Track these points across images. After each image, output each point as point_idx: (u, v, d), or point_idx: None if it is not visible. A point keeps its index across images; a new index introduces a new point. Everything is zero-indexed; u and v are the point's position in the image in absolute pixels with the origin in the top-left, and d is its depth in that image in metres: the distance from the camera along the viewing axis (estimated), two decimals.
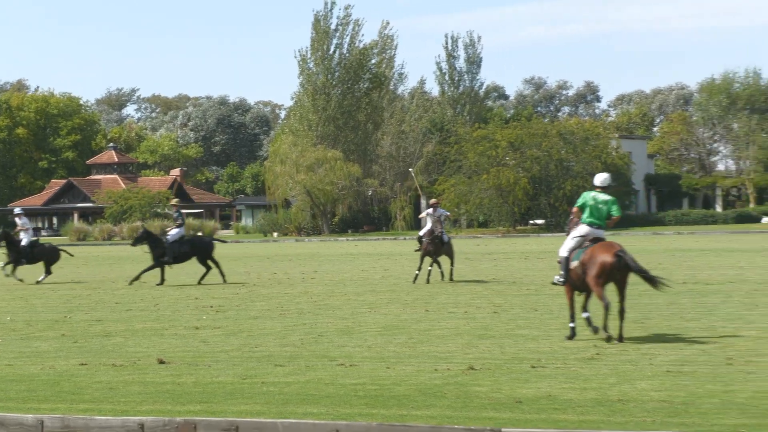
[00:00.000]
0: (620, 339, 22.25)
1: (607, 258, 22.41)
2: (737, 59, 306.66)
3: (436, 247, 40.23)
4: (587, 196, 23.59)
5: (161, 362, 20.21)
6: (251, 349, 22.08)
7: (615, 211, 23.36)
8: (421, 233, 40.30)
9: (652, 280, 22.73)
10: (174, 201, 50.10)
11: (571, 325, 22.94)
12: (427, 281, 39.54)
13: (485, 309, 29.10)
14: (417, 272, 40.24)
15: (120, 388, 17.49)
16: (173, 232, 43.43)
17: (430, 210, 40.49)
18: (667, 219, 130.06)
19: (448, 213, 43.39)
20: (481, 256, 62.66)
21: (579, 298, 23.44)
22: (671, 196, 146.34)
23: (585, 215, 23.42)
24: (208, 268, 42.87)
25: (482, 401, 15.79)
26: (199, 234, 45.34)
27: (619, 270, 22.34)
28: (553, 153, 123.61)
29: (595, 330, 22.48)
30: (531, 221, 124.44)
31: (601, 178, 24.03)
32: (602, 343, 21.92)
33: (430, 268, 40.07)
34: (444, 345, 22.14)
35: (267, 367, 19.53)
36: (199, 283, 41.54)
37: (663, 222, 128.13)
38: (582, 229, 23.48)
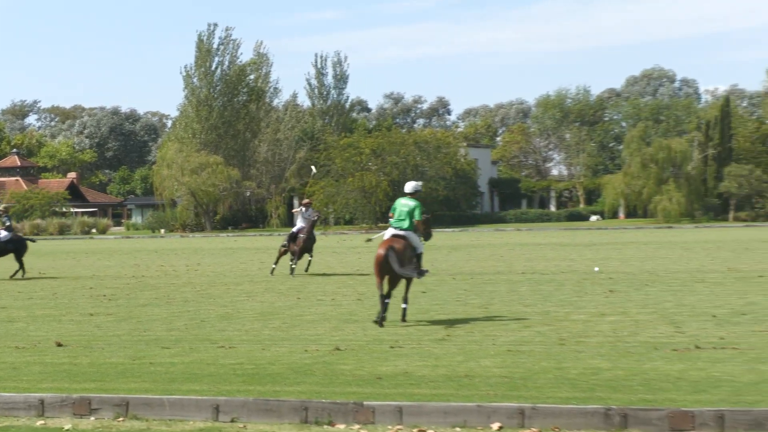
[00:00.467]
0: (403, 319, 23.08)
1: (380, 251, 22.83)
2: (569, 78, 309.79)
3: (308, 244, 39.83)
4: (398, 202, 23.82)
5: (59, 345, 19.96)
6: (140, 333, 21.89)
7: (417, 215, 23.44)
8: (294, 229, 39.83)
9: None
10: (2, 207, 48.83)
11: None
12: (292, 274, 38.92)
13: (350, 296, 29.10)
14: (292, 266, 39.58)
15: (22, 368, 17.25)
16: (2, 234, 42.42)
17: (302, 209, 40.25)
18: (508, 217, 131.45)
19: (319, 213, 42.74)
20: (347, 250, 62.68)
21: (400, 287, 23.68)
22: (512, 197, 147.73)
23: (394, 218, 23.60)
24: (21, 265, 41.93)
25: (347, 378, 15.79)
26: (19, 234, 44.52)
27: (387, 264, 22.62)
28: (410, 159, 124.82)
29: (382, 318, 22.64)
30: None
31: (408, 186, 24.23)
32: (452, 325, 21.98)
33: (293, 264, 39.41)
34: (313, 329, 22.12)
35: (154, 349, 19.37)
36: (11, 278, 40.82)
37: (505, 220, 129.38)
38: (389, 231, 23.67)
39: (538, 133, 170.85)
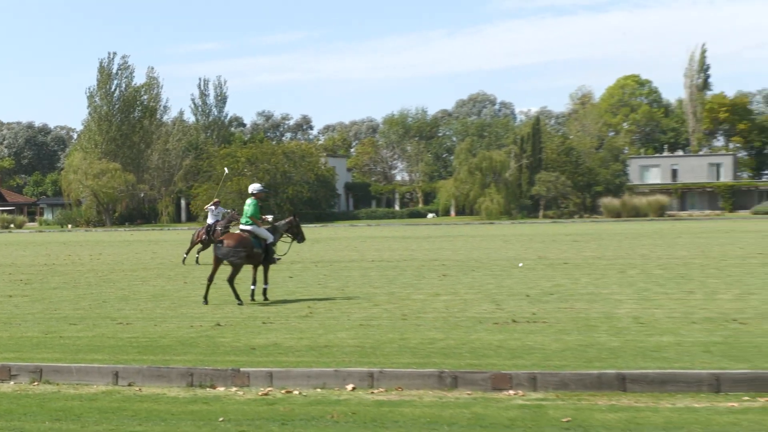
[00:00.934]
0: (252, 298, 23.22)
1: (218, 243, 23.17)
2: (410, 100, 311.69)
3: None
4: (247, 202, 23.84)
5: None
6: (51, 312, 21.53)
7: (252, 213, 23.52)
8: (210, 221, 38.99)
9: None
10: None
11: (252, 287, 23.63)
12: (197, 262, 38.16)
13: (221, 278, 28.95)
14: (185, 255, 38.95)
15: None
16: None
17: (212, 207, 39.58)
18: (360, 215, 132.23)
19: (228, 210, 41.89)
20: None
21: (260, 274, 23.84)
22: (363, 198, 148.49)
23: (244, 216, 23.67)
24: None
25: (226, 349, 15.71)
26: None
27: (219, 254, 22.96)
28: (279, 167, 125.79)
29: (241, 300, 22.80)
30: (270, 217, 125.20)
31: (250, 187, 24.46)
32: (315, 303, 21.98)
33: (198, 255, 38.50)
34: (198, 308, 21.96)
35: (63, 325, 19.08)
36: None
37: (358, 217, 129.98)
38: (241, 226, 23.73)
39: (385, 145, 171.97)
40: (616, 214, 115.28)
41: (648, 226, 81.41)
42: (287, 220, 25.42)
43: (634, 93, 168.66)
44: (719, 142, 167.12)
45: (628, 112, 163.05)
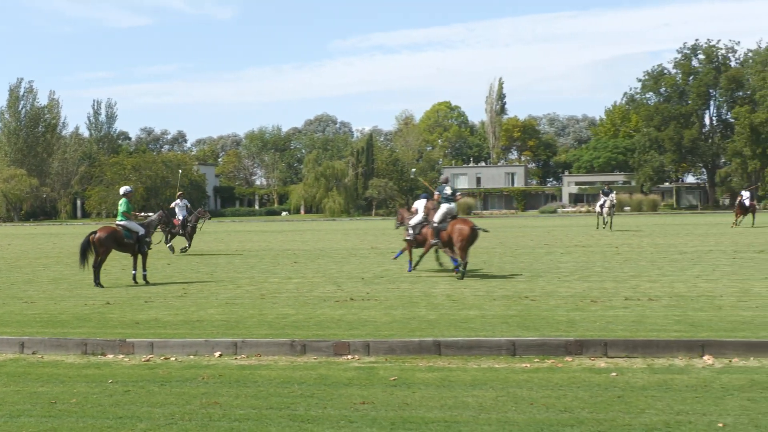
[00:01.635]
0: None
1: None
2: (267, 119, 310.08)
3: (192, 229, 36.26)
4: (120, 201, 23.41)
5: None
6: None
7: (125, 210, 23.19)
8: (180, 216, 36.23)
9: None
10: None
11: (133, 272, 23.25)
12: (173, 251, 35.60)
13: (117, 267, 28.32)
14: (171, 245, 35.14)
15: None
16: None
17: (179, 201, 37.02)
18: (227, 213, 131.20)
19: (205, 210, 39.18)
20: None
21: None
22: (229, 199, 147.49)
23: (118, 213, 23.24)
24: None
25: (115, 323, 15.39)
26: None
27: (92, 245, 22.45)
28: (159, 173, 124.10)
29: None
30: (143, 214, 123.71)
31: (121, 189, 23.96)
32: (188, 286, 21.73)
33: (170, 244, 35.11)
34: (91, 289, 21.45)
35: None
36: None
37: (224, 215, 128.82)
38: (117, 221, 23.33)
39: (247, 156, 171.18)
40: None
41: None
42: (157, 214, 25.12)
43: (446, 116, 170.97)
44: (513, 155, 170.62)
45: (441, 131, 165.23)
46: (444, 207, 23.23)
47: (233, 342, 12.83)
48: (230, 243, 45.69)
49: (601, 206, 49.59)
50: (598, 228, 50.86)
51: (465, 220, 22.76)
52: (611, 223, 49.95)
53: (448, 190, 23.47)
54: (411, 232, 24.61)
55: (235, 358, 12.43)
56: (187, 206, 37.26)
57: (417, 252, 25.52)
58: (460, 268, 22.49)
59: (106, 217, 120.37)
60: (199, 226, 37.50)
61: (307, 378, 11.01)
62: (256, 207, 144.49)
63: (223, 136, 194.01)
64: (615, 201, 50.25)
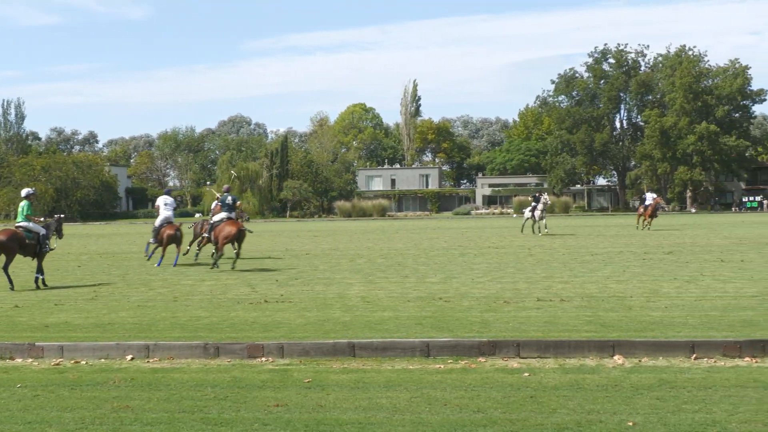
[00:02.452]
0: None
1: None
2: (181, 120, 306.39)
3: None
4: (21, 204, 22.91)
5: None
6: None
7: (27, 212, 22.73)
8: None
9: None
10: None
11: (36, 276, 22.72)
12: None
13: (27, 270, 27.73)
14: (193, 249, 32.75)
15: None
16: None
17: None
18: (139, 214, 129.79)
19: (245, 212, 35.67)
20: None
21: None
22: (141, 201, 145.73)
23: (20, 215, 22.78)
24: None
25: (23, 327, 15.08)
26: None
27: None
28: (69, 174, 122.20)
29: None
30: (42, 219, 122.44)
31: (23, 192, 23.62)
32: (100, 288, 21.39)
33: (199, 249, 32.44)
34: None
35: None
36: None
37: (137, 216, 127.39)
38: (17, 223, 22.88)
39: (159, 157, 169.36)
40: (348, 214, 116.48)
41: (373, 224, 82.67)
42: (56, 218, 24.66)
43: (361, 117, 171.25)
44: (428, 157, 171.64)
45: (356, 132, 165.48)
46: (224, 214, 27.38)
47: (145, 345, 12.67)
48: (142, 245, 45.09)
49: (532, 210, 47.36)
50: (534, 233, 47.68)
51: (234, 222, 26.62)
52: (545, 224, 47.75)
53: (229, 200, 27.69)
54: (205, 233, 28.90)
55: (148, 362, 12.27)
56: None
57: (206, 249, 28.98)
58: (217, 262, 27.14)
59: (14, 219, 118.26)
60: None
61: (220, 381, 10.93)
62: None
63: (136, 137, 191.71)
64: (549, 202, 48.60)
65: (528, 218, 48.36)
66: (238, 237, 26.39)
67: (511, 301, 17.27)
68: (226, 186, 29.36)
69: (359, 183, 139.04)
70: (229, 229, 26.38)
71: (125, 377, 11.21)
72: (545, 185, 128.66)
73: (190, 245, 31.80)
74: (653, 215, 50.88)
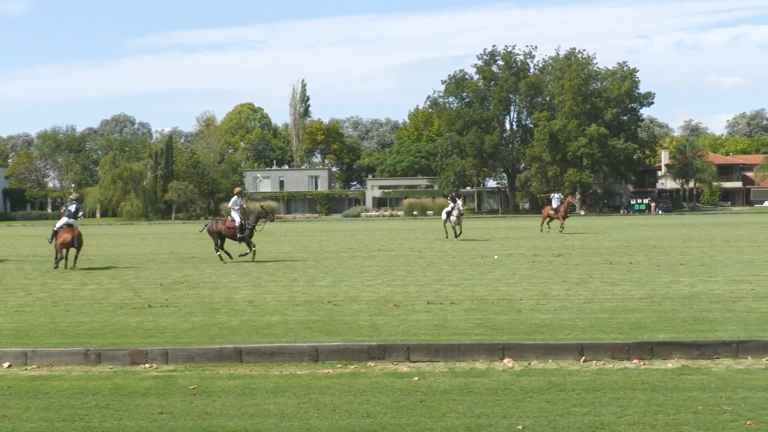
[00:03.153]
0: None
1: None
2: (63, 119, 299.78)
3: (250, 232, 31.09)
4: None
5: None
6: None
7: None
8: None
9: None
10: None
11: None
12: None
13: None
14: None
15: None
16: None
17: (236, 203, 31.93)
18: (17, 216, 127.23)
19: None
20: None
21: None
22: (20, 202, 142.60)
23: None
24: None
25: None
26: None
27: None
28: None
29: None
30: None
31: None
32: None
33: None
34: None
35: None
36: None
37: (14, 218, 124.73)
38: None
39: (39, 157, 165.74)
40: None
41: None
42: None
43: (249, 117, 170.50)
44: (317, 158, 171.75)
45: (244, 133, 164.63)
46: (63, 219, 29.36)
47: (23, 352, 12.36)
48: (20, 248, 44.06)
49: (449, 213, 44.75)
50: (448, 238, 45.38)
51: (71, 229, 28.82)
52: (461, 229, 45.28)
53: (72, 208, 29.75)
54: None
55: (25, 369, 11.98)
56: (242, 207, 32.60)
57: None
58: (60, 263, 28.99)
59: None
60: (258, 228, 32.98)
61: (102, 388, 10.72)
62: (49, 210, 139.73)
63: (14, 136, 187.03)
64: (462, 209, 46.27)
65: (445, 221, 46.18)
66: (73, 243, 28.65)
67: (401, 305, 17.36)
68: (73, 195, 31.48)
69: (247, 184, 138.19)
70: (66, 236, 28.62)
71: (2, 385, 10.93)
72: (435, 187, 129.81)
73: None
74: (565, 216, 50.54)
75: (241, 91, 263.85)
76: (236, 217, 31.26)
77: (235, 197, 32.16)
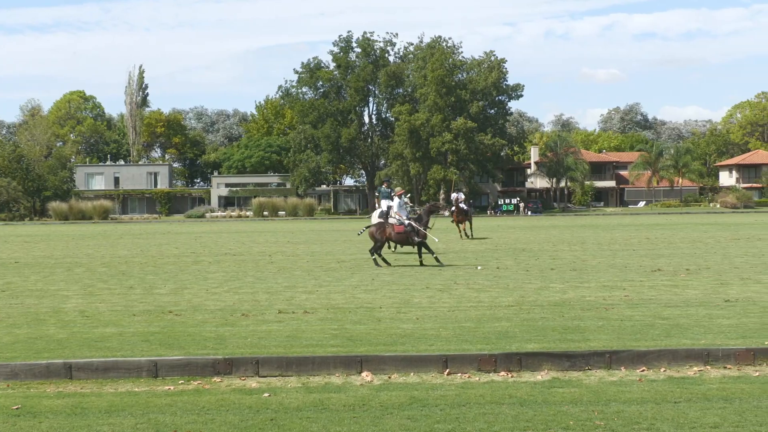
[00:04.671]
0: None
1: None
2: None
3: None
4: None
5: None
6: None
7: None
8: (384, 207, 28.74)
9: None
10: None
11: None
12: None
13: None
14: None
15: None
16: None
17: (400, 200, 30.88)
18: None
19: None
20: None
21: None
22: None
23: None
24: None
25: None
26: None
27: None
28: None
29: None
30: None
31: None
32: None
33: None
34: None
35: None
36: None
37: None
38: None
39: None
40: (64, 217, 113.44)
41: (93, 228, 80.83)
42: None
43: (80, 107, 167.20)
44: (157, 153, 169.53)
45: (74, 124, 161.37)
46: None
47: None
48: None
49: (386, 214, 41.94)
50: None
51: None
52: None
53: None
54: None
55: None
56: (407, 203, 31.31)
57: None
58: None
59: None
60: (430, 225, 31.06)
61: None
62: None
63: None
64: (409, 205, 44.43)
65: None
66: None
67: (250, 314, 17.31)
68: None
69: (78, 182, 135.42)
70: None
71: None
72: (288, 185, 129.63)
73: None
74: (461, 219, 46.47)
75: (70, 78, 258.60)
76: (402, 218, 29.83)
77: (397, 199, 31.01)
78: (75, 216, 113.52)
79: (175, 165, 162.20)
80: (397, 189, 30.34)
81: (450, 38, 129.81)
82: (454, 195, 47.08)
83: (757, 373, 12.01)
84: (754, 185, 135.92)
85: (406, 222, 29.23)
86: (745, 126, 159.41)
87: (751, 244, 38.15)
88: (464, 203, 46.41)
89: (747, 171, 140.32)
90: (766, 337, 13.90)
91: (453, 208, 44.77)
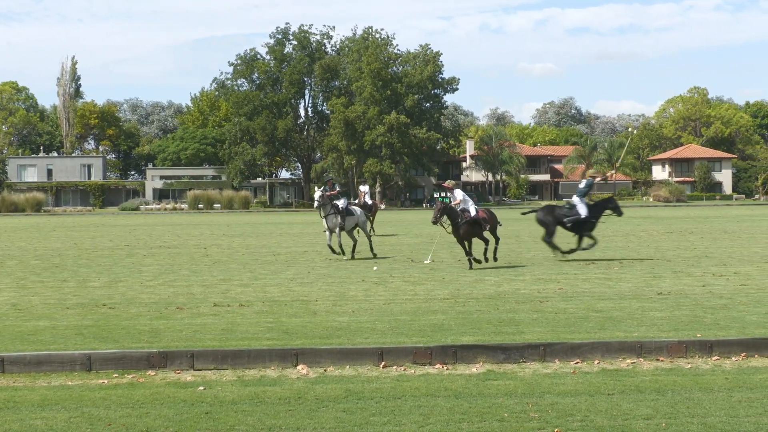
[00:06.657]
0: None
1: None
2: None
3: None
4: None
5: None
6: None
7: None
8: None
9: None
10: None
11: None
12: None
13: None
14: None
15: None
16: None
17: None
18: None
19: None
20: None
21: None
22: None
23: None
24: None
25: None
26: None
27: None
28: None
29: None
30: None
31: None
32: None
33: None
34: None
35: None
36: None
37: None
38: None
39: None
40: None
41: (25, 221, 79.78)
42: None
43: (12, 98, 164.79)
44: (90, 145, 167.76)
45: (6, 115, 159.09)
46: None
47: None
48: None
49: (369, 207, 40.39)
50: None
51: None
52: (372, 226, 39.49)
53: None
54: None
55: None
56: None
57: None
58: None
59: None
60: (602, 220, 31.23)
61: None
62: None
63: None
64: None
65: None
66: None
67: (185, 307, 17.22)
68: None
69: (10, 173, 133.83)
70: None
71: None
72: (223, 178, 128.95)
73: None
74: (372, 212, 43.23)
75: (2, 69, 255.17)
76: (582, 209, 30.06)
77: (460, 191, 28.03)
78: (7, 208, 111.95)
79: (110, 157, 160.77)
80: (449, 182, 28.24)
81: (383, 29, 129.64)
82: (361, 188, 44.52)
83: (689, 366, 12.18)
84: (687, 179, 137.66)
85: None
86: (677, 120, 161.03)
87: (683, 238, 38.67)
88: (369, 196, 43.77)
89: (679, 165, 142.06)
90: (697, 330, 14.10)
91: (356, 201, 43.10)
